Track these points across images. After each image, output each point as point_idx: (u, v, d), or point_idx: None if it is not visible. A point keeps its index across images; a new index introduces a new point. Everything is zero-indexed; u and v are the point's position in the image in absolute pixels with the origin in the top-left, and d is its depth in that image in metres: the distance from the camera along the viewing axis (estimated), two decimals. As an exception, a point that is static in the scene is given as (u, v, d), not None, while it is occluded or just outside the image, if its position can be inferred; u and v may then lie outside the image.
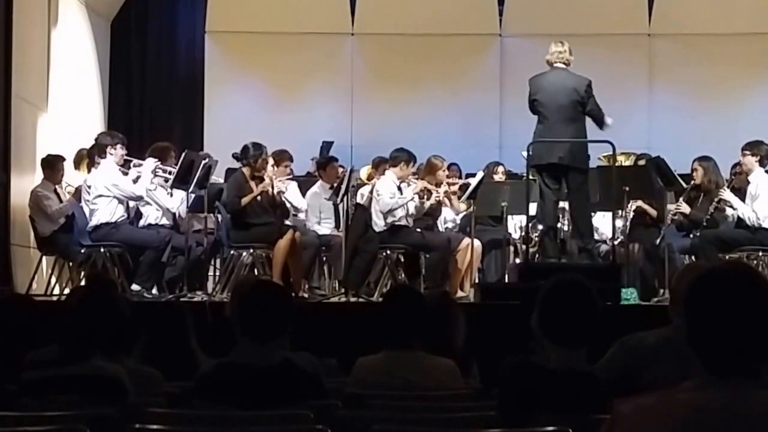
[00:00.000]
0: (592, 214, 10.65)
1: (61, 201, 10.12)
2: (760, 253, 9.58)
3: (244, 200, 9.71)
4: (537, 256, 9.99)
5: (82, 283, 9.45)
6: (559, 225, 9.76)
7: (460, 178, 11.46)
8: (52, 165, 10.28)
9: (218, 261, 10.84)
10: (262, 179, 9.86)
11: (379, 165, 11.15)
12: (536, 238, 10.35)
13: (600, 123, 9.26)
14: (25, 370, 3.90)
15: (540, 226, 9.87)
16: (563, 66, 9.24)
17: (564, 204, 9.73)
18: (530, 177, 9.67)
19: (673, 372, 3.28)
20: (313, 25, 14.18)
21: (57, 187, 10.26)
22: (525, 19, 13.98)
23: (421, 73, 14.18)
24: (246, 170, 9.87)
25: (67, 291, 9.63)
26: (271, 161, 10.14)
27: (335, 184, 10.57)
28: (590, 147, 9.62)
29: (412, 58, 14.18)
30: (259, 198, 9.77)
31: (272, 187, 9.87)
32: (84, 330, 3.93)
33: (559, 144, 9.07)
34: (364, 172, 11.67)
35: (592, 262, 9.32)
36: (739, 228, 9.71)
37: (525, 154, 9.54)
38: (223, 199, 10.04)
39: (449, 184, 10.53)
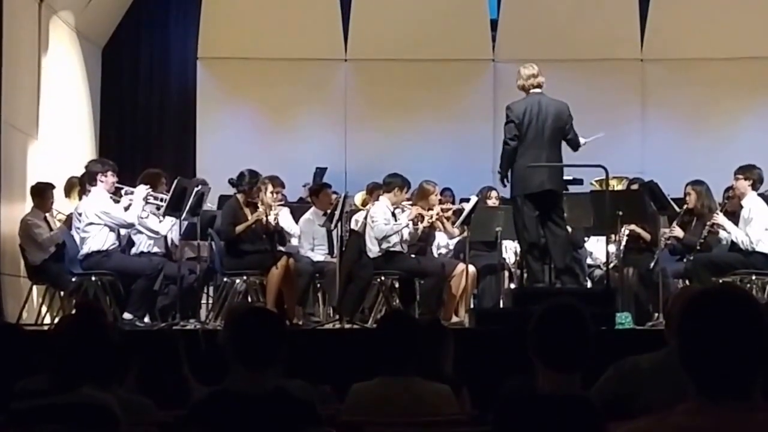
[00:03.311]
0: (585, 238, 10.67)
1: (51, 229, 10.06)
2: (754, 277, 9.57)
3: (239, 228, 9.67)
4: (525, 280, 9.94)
5: (73, 311, 9.38)
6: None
7: (453, 203, 11.44)
8: (42, 193, 10.22)
9: (211, 289, 10.79)
10: (256, 206, 9.83)
11: (374, 191, 11.12)
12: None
13: (576, 146, 9.18)
14: (14, 399, 3.85)
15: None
16: (539, 90, 9.16)
17: None
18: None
19: (668, 396, 3.27)
20: (306, 51, 14.19)
21: (47, 215, 10.20)
22: (518, 44, 13.99)
23: (415, 98, 14.19)
24: (240, 197, 9.84)
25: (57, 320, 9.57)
26: (270, 188, 10.11)
27: (328, 211, 10.54)
28: (583, 171, 9.60)
29: (406, 83, 14.20)
30: (253, 225, 9.74)
31: (267, 215, 9.83)
32: (73, 359, 3.89)
33: (543, 171, 8.98)
34: (358, 198, 11.65)
35: (577, 284, 9.28)
36: (732, 252, 9.70)
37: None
38: (216, 226, 9.99)
39: (442, 210, 10.50)
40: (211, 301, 10.70)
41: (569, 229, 9.49)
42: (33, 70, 11.61)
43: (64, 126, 12.44)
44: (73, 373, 3.88)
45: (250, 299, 9.90)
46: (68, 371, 3.88)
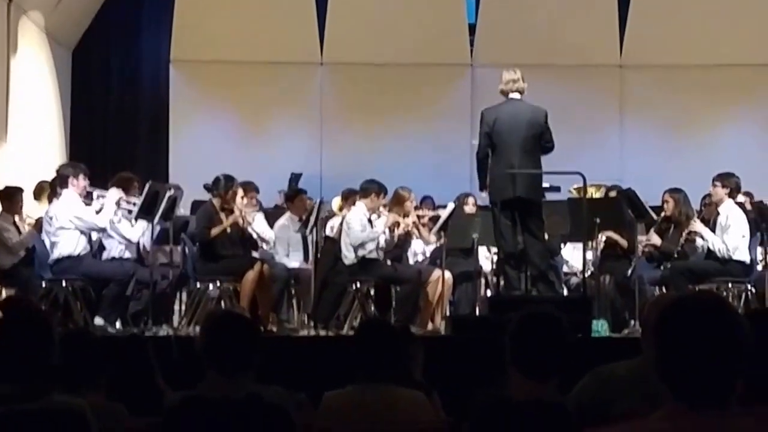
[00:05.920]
0: (562, 246, 10.63)
1: (20, 233, 9.92)
2: (730, 285, 9.58)
3: (214, 231, 9.58)
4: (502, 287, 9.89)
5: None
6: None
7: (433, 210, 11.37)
8: (11, 196, 10.08)
9: (184, 294, 10.69)
10: (231, 211, 9.75)
11: (349, 196, 11.04)
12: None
13: (546, 151, 9.08)
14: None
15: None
16: (518, 96, 9.09)
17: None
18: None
19: (644, 403, 3.25)
20: (282, 54, 14.13)
21: (16, 218, 10.05)
22: (496, 49, 13.99)
23: (392, 103, 14.16)
24: (216, 201, 9.76)
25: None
26: (241, 193, 10.04)
27: (304, 216, 10.46)
28: (560, 179, 9.55)
29: (383, 87, 14.16)
30: (228, 230, 9.65)
31: (242, 220, 9.75)
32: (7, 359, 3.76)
33: (518, 178, 8.91)
34: (335, 204, 11.57)
35: (553, 291, 9.21)
36: (709, 259, 9.69)
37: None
38: (190, 230, 9.90)
39: (419, 216, 10.42)
40: (184, 307, 10.60)
41: (546, 236, 9.43)
42: (1, 71, 11.49)
43: (33, 129, 12.32)
44: (38, 378, 3.78)
45: (223, 305, 9.80)
46: (29, 376, 3.78)
